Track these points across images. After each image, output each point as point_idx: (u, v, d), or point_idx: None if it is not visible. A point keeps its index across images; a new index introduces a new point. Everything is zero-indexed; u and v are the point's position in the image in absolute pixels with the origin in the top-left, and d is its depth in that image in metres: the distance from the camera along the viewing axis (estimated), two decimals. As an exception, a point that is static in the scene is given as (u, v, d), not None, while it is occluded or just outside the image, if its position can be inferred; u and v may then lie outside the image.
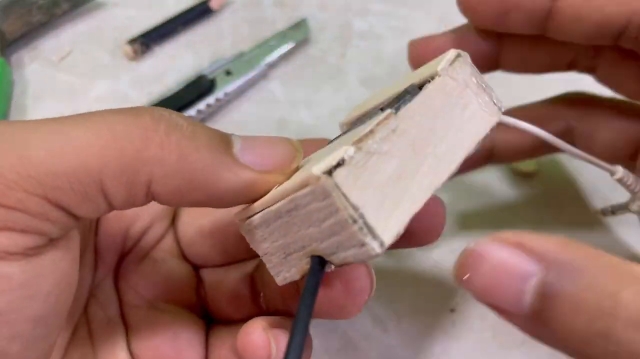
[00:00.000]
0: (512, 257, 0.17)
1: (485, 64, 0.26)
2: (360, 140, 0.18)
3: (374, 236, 0.17)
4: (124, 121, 0.18)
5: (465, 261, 0.17)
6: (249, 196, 0.19)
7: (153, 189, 0.18)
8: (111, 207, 0.19)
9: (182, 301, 0.25)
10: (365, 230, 0.17)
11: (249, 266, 0.26)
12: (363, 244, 0.17)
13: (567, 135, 0.26)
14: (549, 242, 0.17)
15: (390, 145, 0.18)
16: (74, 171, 0.17)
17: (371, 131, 0.18)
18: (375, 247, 0.17)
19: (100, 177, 0.17)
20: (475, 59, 0.22)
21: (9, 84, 0.40)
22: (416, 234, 0.22)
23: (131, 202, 0.19)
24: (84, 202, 0.18)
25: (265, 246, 0.20)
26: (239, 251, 0.26)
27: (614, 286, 0.15)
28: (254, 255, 0.24)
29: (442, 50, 0.22)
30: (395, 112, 0.19)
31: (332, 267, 0.19)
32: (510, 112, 0.27)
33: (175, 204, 0.19)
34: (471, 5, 0.25)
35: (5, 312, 0.17)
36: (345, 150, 0.17)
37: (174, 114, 0.19)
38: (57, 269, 0.18)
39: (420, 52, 0.27)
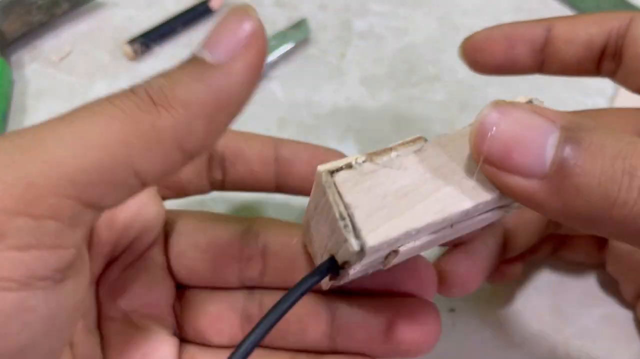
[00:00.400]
0: (528, 116, 0.17)
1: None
2: (375, 154, 0.18)
3: (357, 236, 0.17)
4: (126, 103, 0.17)
5: (485, 120, 0.18)
6: (246, 88, 0.19)
7: (185, 145, 0.18)
8: (145, 185, 0.18)
9: (158, 316, 0.25)
10: (349, 228, 0.17)
11: (240, 297, 0.26)
12: (345, 241, 0.17)
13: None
14: (556, 111, 0.18)
15: (407, 163, 0.18)
16: (103, 162, 0.17)
17: (390, 148, 0.18)
18: (354, 244, 0.17)
19: (131, 160, 0.17)
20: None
21: (9, 84, 0.40)
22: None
23: (169, 171, 0.18)
24: (116, 190, 0.17)
25: (314, 246, 0.21)
26: (230, 275, 0.26)
27: (629, 136, 0.17)
28: (245, 285, 0.25)
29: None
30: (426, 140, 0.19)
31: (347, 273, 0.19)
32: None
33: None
34: (479, 46, 0.28)
35: (26, 349, 0.16)
36: (356, 157, 0.18)
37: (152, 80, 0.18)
38: (76, 297, 0.18)
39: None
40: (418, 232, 0.18)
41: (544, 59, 0.27)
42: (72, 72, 0.42)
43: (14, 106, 0.40)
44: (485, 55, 0.28)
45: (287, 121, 0.40)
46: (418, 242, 0.18)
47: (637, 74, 0.26)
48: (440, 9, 0.46)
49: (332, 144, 0.39)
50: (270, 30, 0.44)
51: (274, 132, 0.39)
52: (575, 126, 0.17)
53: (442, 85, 0.42)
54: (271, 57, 0.42)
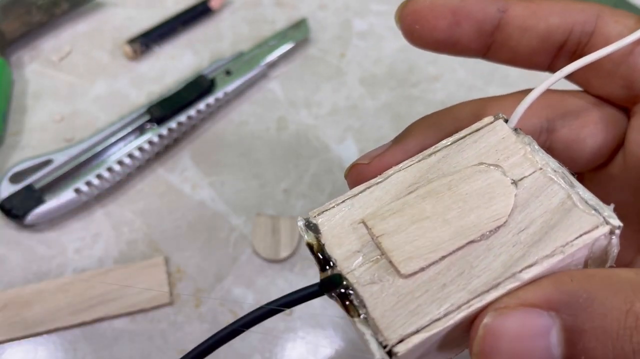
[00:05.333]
0: (524, 321, 0.17)
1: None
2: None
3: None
4: None
5: (483, 348, 0.17)
6: None
7: None
8: None
9: None
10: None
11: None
12: None
13: (545, 135, 0.24)
14: (545, 287, 0.17)
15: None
16: None
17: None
18: None
19: None
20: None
21: (8, 84, 0.40)
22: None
23: None
24: None
25: None
26: None
27: (624, 304, 0.16)
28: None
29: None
30: None
31: None
32: (484, 103, 0.25)
33: None
34: (421, 15, 0.24)
35: None
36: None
37: None
38: None
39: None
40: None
41: (492, 44, 0.24)
42: (72, 72, 0.42)
43: (14, 105, 0.40)
44: (425, 28, 0.24)
45: (287, 121, 0.40)
46: None
47: (606, 78, 0.23)
48: (440, 8, 0.46)
49: (332, 144, 0.39)
50: (270, 30, 0.44)
51: (274, 132, 0.39)
52: (571, 309, 0.16)
53: (442, 86, 0.42)
54: (271, 57, 0.42)
